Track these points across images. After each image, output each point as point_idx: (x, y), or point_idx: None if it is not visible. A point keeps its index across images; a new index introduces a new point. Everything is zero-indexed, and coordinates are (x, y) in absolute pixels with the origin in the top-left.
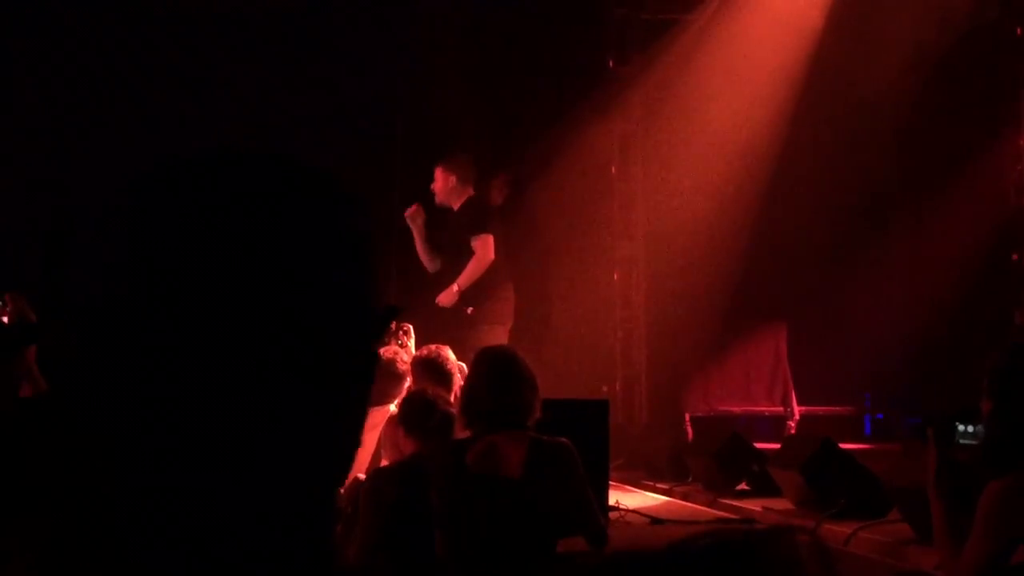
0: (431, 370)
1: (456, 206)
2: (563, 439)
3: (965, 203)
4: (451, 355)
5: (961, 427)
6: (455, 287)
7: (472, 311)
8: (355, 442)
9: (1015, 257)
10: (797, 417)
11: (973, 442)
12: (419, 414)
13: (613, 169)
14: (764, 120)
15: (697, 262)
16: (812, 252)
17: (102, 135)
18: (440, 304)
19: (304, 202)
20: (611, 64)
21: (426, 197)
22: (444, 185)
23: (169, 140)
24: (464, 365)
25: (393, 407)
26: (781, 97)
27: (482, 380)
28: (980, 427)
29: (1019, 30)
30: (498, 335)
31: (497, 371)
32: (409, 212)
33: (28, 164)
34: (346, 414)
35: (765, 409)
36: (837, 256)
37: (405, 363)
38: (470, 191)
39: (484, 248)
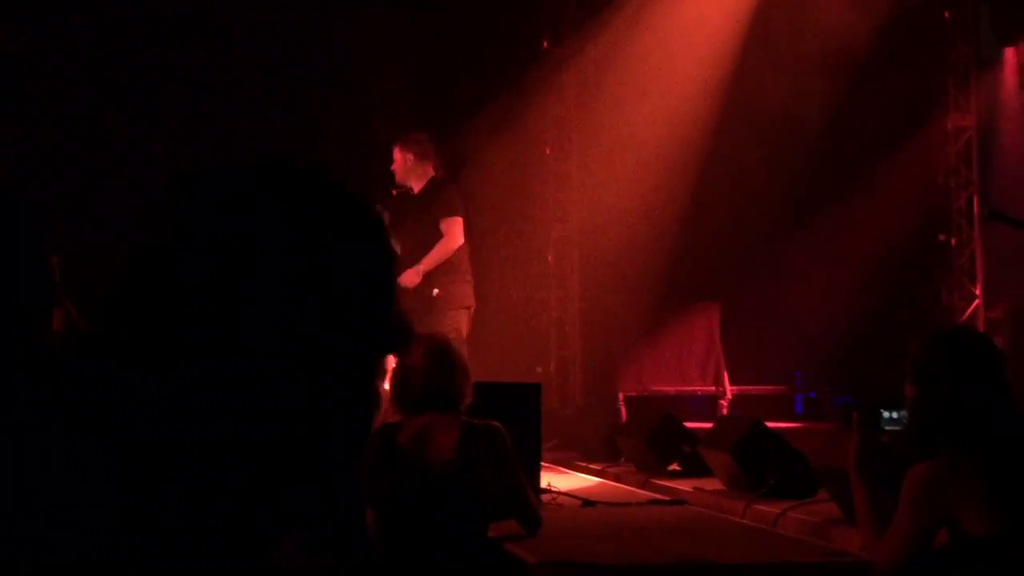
0: None
1: (417, 186)
2: (495, 422)
3: (894, 185)
4: None
5: (886, 413)
6: (419, 268)
7: (438, 293)
8: (364, 430)
9: (942, 237)
10: (729, 396)
11: (897, 428)
12: None
13: (548, 150)
14: (698, 102)
15: (631, 244)
16: (745, 234)
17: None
18: (402, 284)
19: (335, 219)
20: (546, 44)
21: (385, 179)
22: (402, 164)
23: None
24: None
25: None
26: (714, 79)
27: (414, 364)
28: (904, 413)
29: (947, 14)
30: (463, 319)
31: (429, 355)
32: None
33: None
34: (354, 411)
35: (698, 389)
36: (769, 238)
37: None
38: (430, 170)
39: (453, 231)
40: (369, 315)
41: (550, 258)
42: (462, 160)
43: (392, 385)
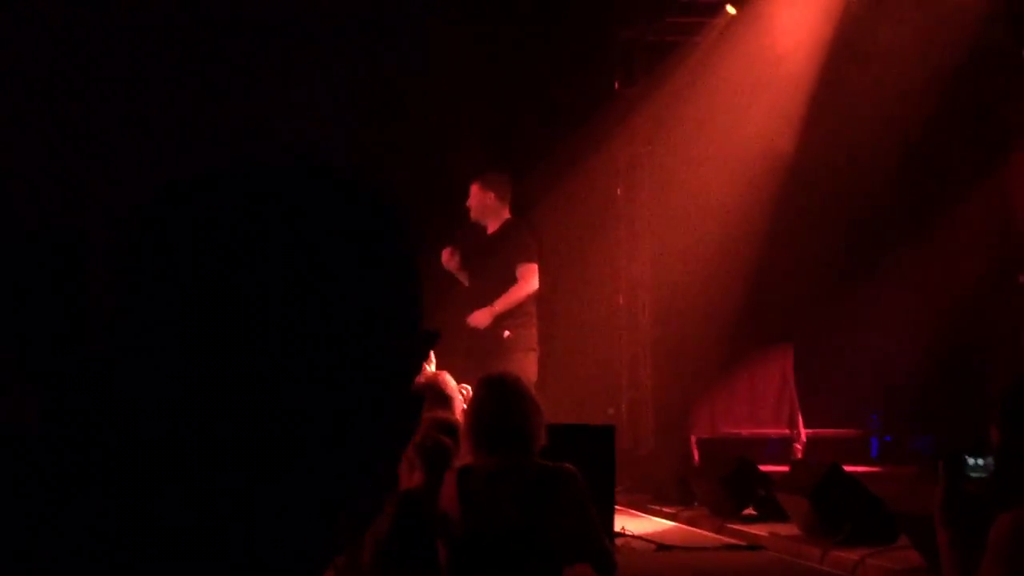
0: (432, 395)
1: (493, 226)
2: (568, 465)
3: (972, 224)
4: (451, 380)
5: (971, 460)
6: (493, 309)
7: (508, 335)
8: (391, 472)
9: (1022, 279)
10: (804, 439)
11: (983, 475)
12: (432, 442)
13: (619, 191)
14: (770, 142)
15: (703, 284)
16: (818, 275)
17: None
18: (471, 324)
19: (351, 216)
20: (617, 86)
21: (458, 214)
22: (480, 202)
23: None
24: (469, 388)
25: None
26: (788, 117)
27: (487, 405)
28: (990, 459)
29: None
30: (531, 362)
31: (502, 396)
32: (445, 258)
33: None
34: (379, 439)
35: (772, 432)
36: (843, 278)
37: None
38: (506, 212)
39: (529, 277)
40: (385, 319)
41: (621, 299)
42: (533, 200)
43: (465, 423)
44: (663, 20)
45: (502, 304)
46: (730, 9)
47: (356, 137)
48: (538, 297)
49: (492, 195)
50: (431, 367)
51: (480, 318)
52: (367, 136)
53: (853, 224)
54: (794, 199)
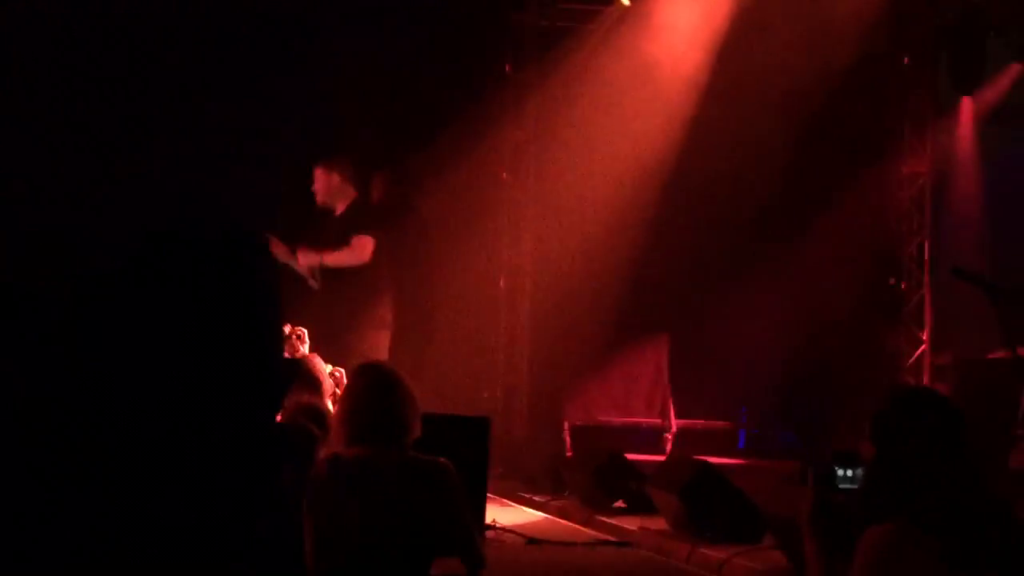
0: (301, 377)
1: (339, 208)
2: (441, 459)
3: (847, 227)
4: (320, 363)
5: (840, 471)
6: (320, 257)
7: (315, 285)
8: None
9: (892, 282)
10: (674, 430)
11: (852, 486)
12: (297, 428)
13: (504, 175)
14: (656, 136)
15: (583, 273)
16: (697, 268)
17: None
18: (298, 257)
19: (229, 265)
20: (508, 69)
21: (307, 198)
22: (326, 185)
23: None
24: (343, 371)
25: None
26: (674, 114)
27: (360, 395)
28: (859, 471)
29: (906, 59)
30: (381, 339)
31: (376, 386)
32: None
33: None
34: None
35: (644, 421)
36: (721, 273)
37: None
38: (353, 192)
39: (361, 248)
40: (250, 343)
41: (501, 283)
42: (415, 180)
43: (338, 411)
44: (556, 5)
45: (329, 258)
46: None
47: (245, 125)
48: (382, 273)
49: (336, 177)
50: (304, 348)
51: (305, 257)
52: (253, 123)
53: (733, 221)
54: (677, 193)
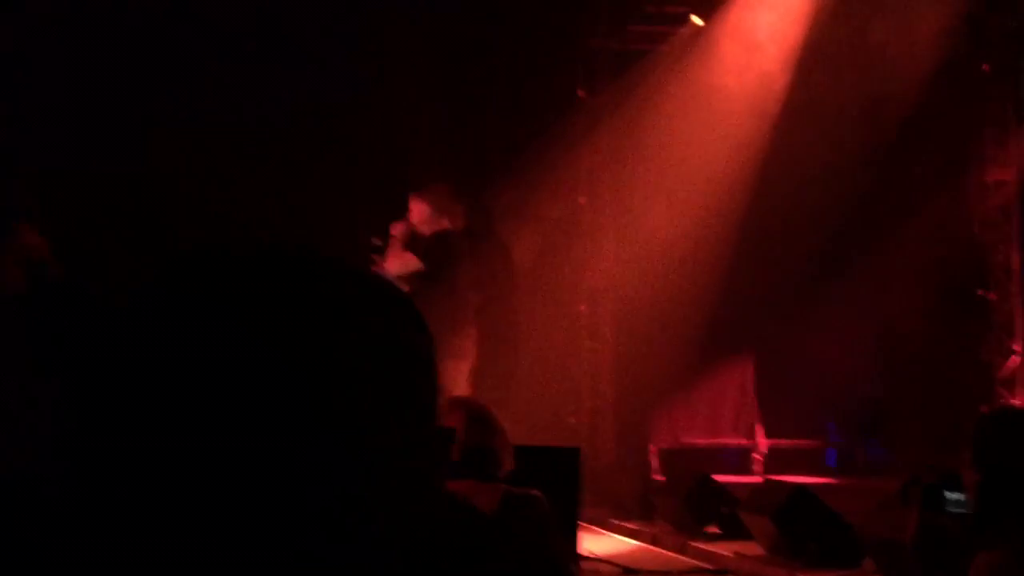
0: None
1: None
2: (535, 491)
3: (932, 238)
4: None
5: (948, 494)
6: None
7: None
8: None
9: (980, 292)
10: (763, 450)
11: (961, 510)
12: None
13: (582, 200)
14: (735, 154)
15: (665, 294)
16: (779, 286)
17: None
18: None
19: (374, 319)
20: (582, 94)
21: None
22: (418, 214)
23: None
24: None
25: None
26: (752, 132)
27: (454, 428)
28: (964, 495)
29: (986, 66)
30: (458, 370)
31: (467, 421)
32: (397, 226)
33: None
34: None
35: (731, 441)
36: (804, 290)
37: None
38: (445, 223)
39: (403, 263)
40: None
41: (582, 308)
42: (497, 209)
43: None
44: (628, 29)
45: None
46: (696, 19)
47: (316, 152)
48: (462, 303)
49: (427, 207)
50: None
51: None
52: (328, 150)
53: (815, 235)
54: (757, 210)
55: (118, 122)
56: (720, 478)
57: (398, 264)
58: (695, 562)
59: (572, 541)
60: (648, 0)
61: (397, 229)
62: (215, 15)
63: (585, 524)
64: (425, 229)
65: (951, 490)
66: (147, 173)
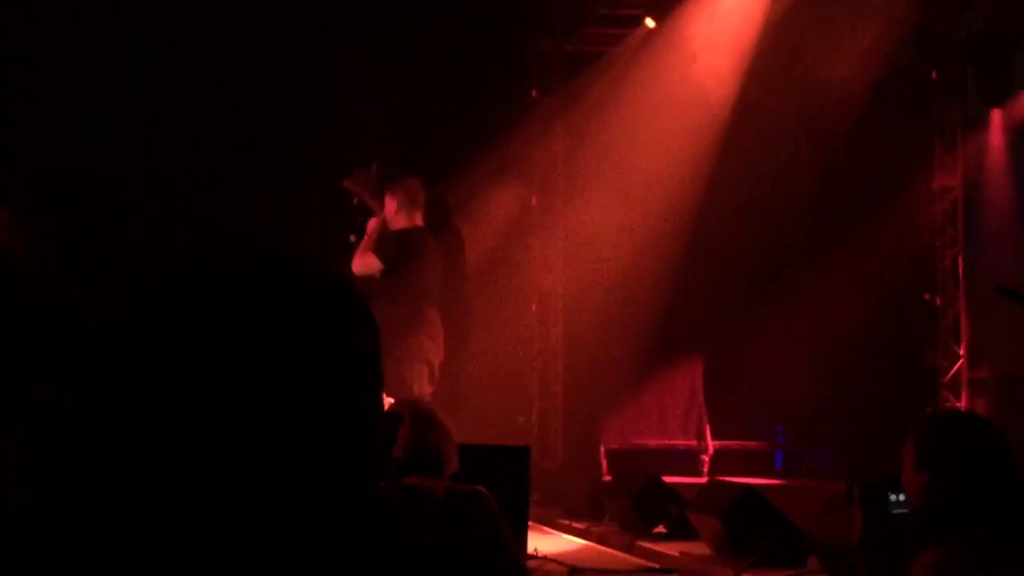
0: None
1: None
2: (479, 487)
3: (880, 243)
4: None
5: (892, 496)
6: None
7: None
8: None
9: (926, 296)
10: (711, 451)
11: (904, 511)
12: None
13: (534, 200)
14: (687, 157)
15: (615, 296)
16: (730, 288)
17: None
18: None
19: (317, 319)
20: (535, 94)
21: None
22: (390, 208)
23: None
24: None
25: None
26: (704, 135)
27: (402, 429)
28: (905, 496)
29: (934, 74)
30: (418, 371)
31: (417, 421)
32: (374, 223)
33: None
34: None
35: (680, 443)
36: (754, 293)
37: None
38: (418, 219)
39: (365, 265)
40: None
41: (533, 307)
42: (449, 208)
43: None
44: (582, 30)
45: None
46: (649, 22)
47: (268, 154)
48: (425, 306)
49: (396, 202)
50: None
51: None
52: (279, 151)
53: (765, 240)
54: (708, 214)
55: (97, 123)
56: (669, 479)
57: (360, 264)
58: (642, 561)
59: (522, 539)
60: (602, 2)
61: (372, 226)
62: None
63: (534, 523)
64: (395, 224)
65: (897, 492)
66: (128, 171)
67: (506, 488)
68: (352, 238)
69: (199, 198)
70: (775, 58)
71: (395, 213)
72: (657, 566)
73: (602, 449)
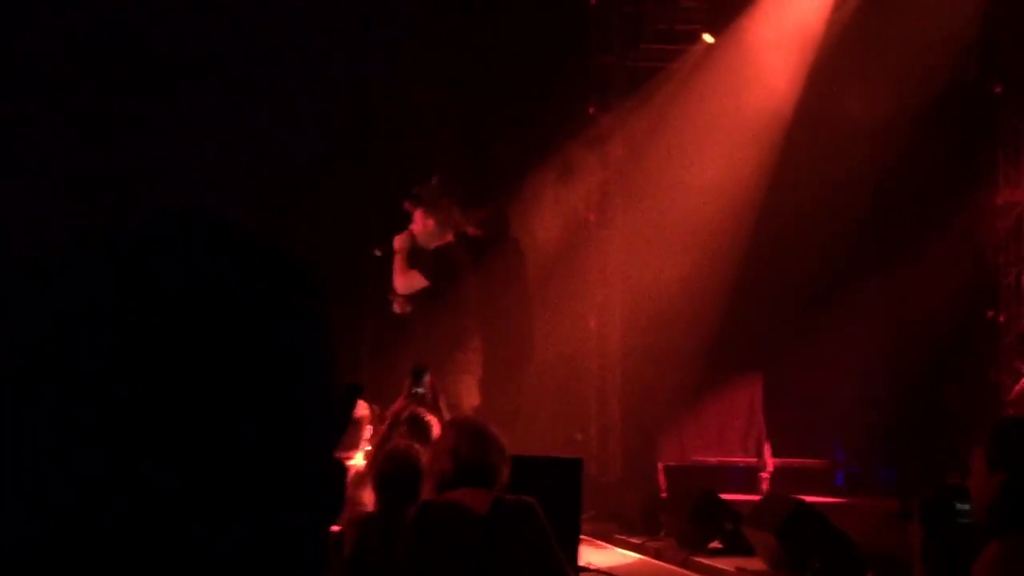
0: (414, 427)
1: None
2: (527, 497)
3: (942, 260)
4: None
5: (959, 505)
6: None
7: (400, 310)
8: (316, 549)
9: (990, 314)
10: (770, 469)
11: (968, 520)
12: (400, 473)
13: (592, 216)
14: (744, 172)
15: (674, 311)
16: (790, 305)
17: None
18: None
19: (251, 273)
20: (592, 111)
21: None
22: (423, 228)
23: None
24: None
25: (359, 458)
26: (762, 150)
27: (450, 443)
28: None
29: (998, 88)
30: (467, 384)
31: (465, 435)
32: (399, 239)
33: None
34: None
35: (739, 460)
36: (814, 310)
37: (363, 408)
38: (449, 237)
39: (408, 281)
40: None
41: (592, 324)
42: (507, 220)
43: (428, 463)
44: (639, 47)
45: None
46: (707, 37)
47: (327, 168)
48: (467, 318)
49: (432, 222)
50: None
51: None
52: (339, 165)
53: (825, 256)
54: (767, 230)
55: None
56: (727, 496)
57: (405, 283)
58: (696, 575)
59: (573, 551)
60: (659, 18)
61: (399, 242)
62: (229, 24)
63: (588, 538)
64: (428, 243)
65: (961, 502)
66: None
67: (558, 500)
68: (378, 252)
69: (230, 207)
70: (834, 71)
71: (431, 231)
72: None
73: (660, 466)
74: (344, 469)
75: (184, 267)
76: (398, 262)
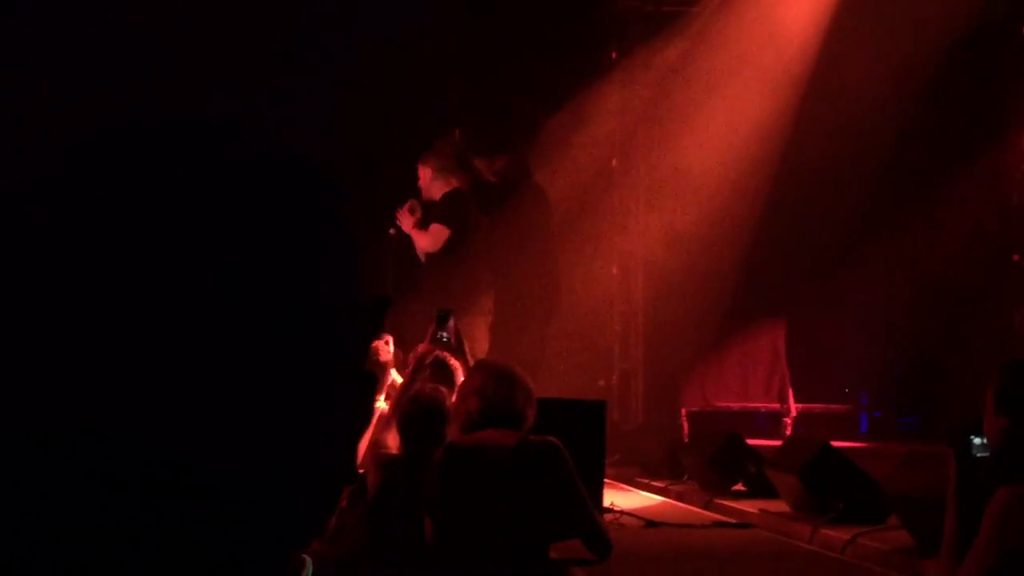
0: (438, 370)
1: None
2: (552, 438)
3: (966, 203)
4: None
5: (974, 439)
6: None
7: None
8: (353, 443)
9: (1015, 258)
10: (794, 414)
11: (984, 454)
12: (426, 415)
13: (614, 162)
14: (766, 117)
15: (697, 258)
16: (813, 250)
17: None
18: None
19: (280, 185)
20: (614, 56)
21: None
22: (424, 180)
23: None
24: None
25: (382, 401)
26: (784, 93)
27: (476, 384)
28: (985, 440)
29: (1023, 29)
30: (478, 326)
31: (492, 376)
32: (407, 207)
33: None
34: (342, 414)
35: (762, 406)
36: (837, 255)
37: (388, 353)
38: (453, 182)
39: (434, 236)
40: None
41: (615, 270)
42: (527, 171)
43: (455, 405)
44: None
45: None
46: None
47: (344, 118)
48: (479, 262)
49: (430, 171)
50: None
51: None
52: (356, 116)
53: (848, 201)
54: (790, 175)
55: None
56: (751, 442)
57: (429, 242)
58: (719, 517)
59: (597, 492)
60: None
61: (408, 208)
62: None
63: (612, 481)
64: (434, 193)
65: (977, 435)
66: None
67: (583, 442)
68: (392, 232)
69: None
70: (857, 15)
71: (432, 182)
72: (734, 521)
73: (683, 411)
74: (375, 379)
75: (203, 167)
76: (412, 228)
